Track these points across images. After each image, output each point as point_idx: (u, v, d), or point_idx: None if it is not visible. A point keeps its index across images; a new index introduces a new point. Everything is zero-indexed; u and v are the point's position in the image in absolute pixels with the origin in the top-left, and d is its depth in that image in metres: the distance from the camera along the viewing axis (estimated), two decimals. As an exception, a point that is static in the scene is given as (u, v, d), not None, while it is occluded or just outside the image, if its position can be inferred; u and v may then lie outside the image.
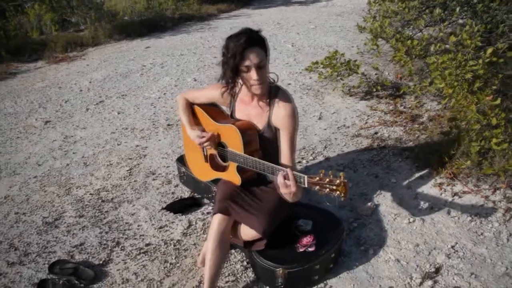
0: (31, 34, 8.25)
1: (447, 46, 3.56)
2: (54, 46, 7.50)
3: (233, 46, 2.00)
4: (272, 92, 2.22)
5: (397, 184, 2.98)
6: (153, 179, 3.32)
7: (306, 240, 2.16)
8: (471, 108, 2.87)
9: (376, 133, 3.68)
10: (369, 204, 2.77)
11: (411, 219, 2.62)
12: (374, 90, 4.36)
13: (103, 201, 3.10)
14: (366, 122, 3.89)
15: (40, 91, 5.64)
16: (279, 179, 1.91)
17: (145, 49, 7.30)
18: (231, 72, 2.07)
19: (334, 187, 1.77)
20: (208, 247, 2.09)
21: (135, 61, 6.60)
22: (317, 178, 1.81)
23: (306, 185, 1.85)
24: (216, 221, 2.12)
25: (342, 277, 2.24)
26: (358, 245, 2.47)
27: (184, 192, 3.10)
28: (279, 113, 2.16)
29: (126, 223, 2.84)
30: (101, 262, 2.51)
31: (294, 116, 2.16)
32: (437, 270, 2.25)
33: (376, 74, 4.78)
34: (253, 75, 2.03)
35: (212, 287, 2.07)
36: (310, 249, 2.14)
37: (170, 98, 4.96)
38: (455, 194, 2.82)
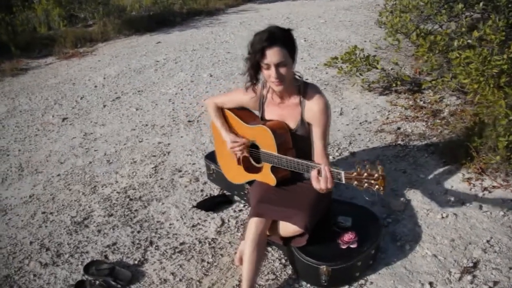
0: (39, 30, 8.19)
1: (468, 41, 3.55)
2: (63, 41, 7.44)
3: (255, 43, 2.02)
4: (301, 89, 2.22)
5: (425, 180, 2.98)
6: (180, 177, 3.30)
7: (348, 236, 2.16)
8: (499, 103, 2.87)
9: (399, 128, 3.67)
10: (401, 199, 2.78)
11: (444, 214, 2.62)
12: (394, 85, 4.35)
13: (131, 199, 3.09)
14: (388, 118, 3.88)
15: (54, 88, 5.61)
16: (313, 173, 1.91)
17: (156, 44, 7.24)
18: (252, 68, 2.11)
19: (373, 181, 1.72)
20: (246, 249, 2.09)
21: (148, 57, 6.56)
22: (355, 173, 1.76)
23: (344, 181, 1.82)
24: (253, 224, 2.12)
25: (382, 273, 2.25)
26: (394, 241, 2.47)
27: (213, 189, 3.10)
28: (312, 108, 2.17)
29: (158, 221, 2.83)
30: (136, 262, 2.50)
31: (326, 111, 2.17)
32: (475, 265, 2.25)
33: (392, 69, 4.76)
34: (272, 73, 2.04)
35: (251, 287, 2.08)
36: (353, 246, 2.14)
37: (188, 94, 4.94)
38: (485, 189, 2.82)
